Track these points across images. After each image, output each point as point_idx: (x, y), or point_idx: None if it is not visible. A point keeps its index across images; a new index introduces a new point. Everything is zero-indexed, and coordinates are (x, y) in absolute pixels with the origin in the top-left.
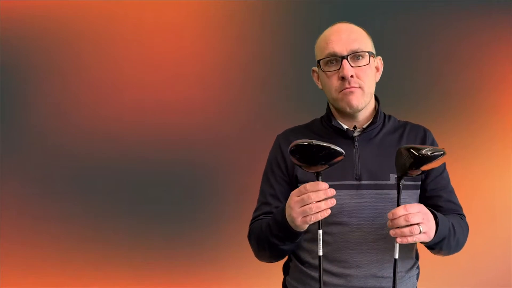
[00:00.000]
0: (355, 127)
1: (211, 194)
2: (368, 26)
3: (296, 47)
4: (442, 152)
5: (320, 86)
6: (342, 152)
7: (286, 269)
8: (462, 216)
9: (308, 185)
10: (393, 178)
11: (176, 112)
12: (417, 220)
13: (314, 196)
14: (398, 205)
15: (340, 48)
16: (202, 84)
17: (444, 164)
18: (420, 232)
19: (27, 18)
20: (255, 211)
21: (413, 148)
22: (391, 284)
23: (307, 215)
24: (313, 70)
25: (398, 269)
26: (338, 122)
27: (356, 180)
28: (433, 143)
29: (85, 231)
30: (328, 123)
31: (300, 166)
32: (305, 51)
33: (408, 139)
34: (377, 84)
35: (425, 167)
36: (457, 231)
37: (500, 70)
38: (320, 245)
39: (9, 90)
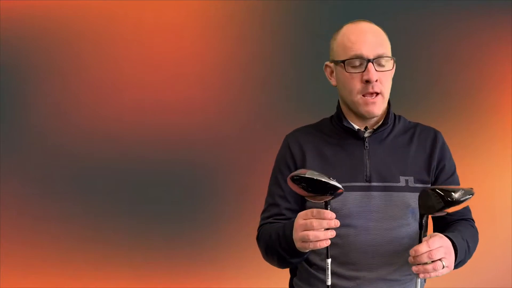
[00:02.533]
0: (366, 128)
1: (211, 194)
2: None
3: (296, 47)
4: (471, 195)
5: (333, 83)
6: (340, 187)
7: (293, 270)
8: (471, 221)
9: (315, 211)
10: (403, 181)
11: (176, 112)
12: (439, 256)
13: (316, 224)
14: (419, 241)
15: (367, 51)
16: (202, 84)
17: (454, 166)
18: (443, 267)
19: (27, 18)
20: (263, 212)
21: (443, 191)
22: (401, 287)
23: (306, 242)
24: (327, 65)
25: (408, 272)
26: (349, 122)
27: (366, 181)
28: (443, 146)
29: (85, 231)
30: (338, 123)
31: (305, 197)
32: (305, 51)
33: (419, 141)
34: None
35: (451, 209)
36: (471, 247)
37: (500, 70)
38: (328, 275)
39: (9, 90)
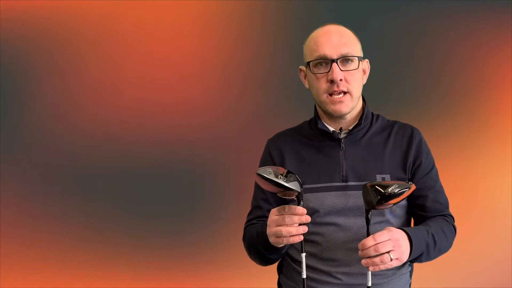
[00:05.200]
0: (341, 129)
1: (211, 194)
2: (368, 26)
3: (296, 47)
4: (408, 188)
5: (307, 86)
6: (288, 187)
7: (280, 268)
8: (447, 216)
9: (287, 207)
10: (379, 179)
11: (176, 112)
12: (387, 249)
13: (288, 220)
14: (368, 235)
15: (330, 51)
16: (202, 84)
17: (432, 162)
18: (391, 259)
19: (27, 18)
20: (249, 214)
21: (379, 186)
22: (381, 281)
23: (279, 237)
24: (301, 69)
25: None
26: (324, 124)
27: (343, 181)
28: (420, 143)
29: (85, 231)
30: (315, 125)
31: (277, 193)
32: None
33: (396, 139)
34: (378, 83)
35: (393, 201)
36: (438, 241)
37: (500, 70)
38: (303, 268)
39: (9, 90)
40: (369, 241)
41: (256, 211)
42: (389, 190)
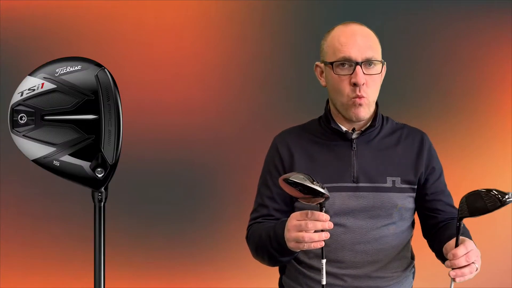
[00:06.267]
0: (353, 129)
1: (211, 194)
2: (368, 26)
3: (296, 47)
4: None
5: (323, 83)
6: (324, 192)
7: (282, 268)
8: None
9: (310, 213)
10: (389, 181)
11: (176, 112)
12: (474, 258)
13: (310, 225)
14: (456, 245)
15: (356, 53)
16: (202, 84)
17: (441, 167)
18: (477, 270)
19: (27, 18)
20: (253, 212)
21: (499, 192)
22: (387, 284)
23: (300, 242)
24: (317, 65)
25: (394, 269)
26: (337, 124)
27: (354, 182)
28: (430, 148)
29: (85, 231)
30: (326, 124)
31: (299, 198)
32: (305, 51)
33: (406, 143)
34: None
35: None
36: None
37: (500, 70)
38: (323, 275)
39: (9, 90)
40: (461, 250)
41: (262, 210)
42: (507, 196)
